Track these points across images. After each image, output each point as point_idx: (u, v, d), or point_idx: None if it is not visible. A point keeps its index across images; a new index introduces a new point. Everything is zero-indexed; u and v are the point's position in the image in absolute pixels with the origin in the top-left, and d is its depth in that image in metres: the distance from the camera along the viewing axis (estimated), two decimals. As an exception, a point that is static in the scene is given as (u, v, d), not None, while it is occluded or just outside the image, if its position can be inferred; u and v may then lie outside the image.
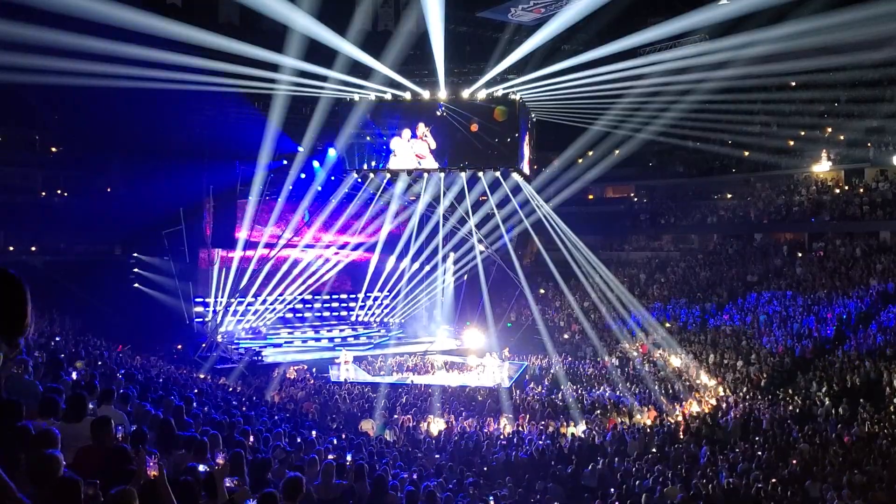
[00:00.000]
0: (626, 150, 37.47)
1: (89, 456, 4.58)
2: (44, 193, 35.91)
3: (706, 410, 20.66)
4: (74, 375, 7.85)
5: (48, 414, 5.20)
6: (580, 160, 37.63)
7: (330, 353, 31.67)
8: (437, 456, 15.14)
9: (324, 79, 24.30)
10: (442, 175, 27.71)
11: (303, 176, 32.14)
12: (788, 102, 34.12)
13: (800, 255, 32.38)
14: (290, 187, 31.86)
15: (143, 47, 18.11)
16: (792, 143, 35.97)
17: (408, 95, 25.96)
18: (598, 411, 21.07)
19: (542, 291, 36.57)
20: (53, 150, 36.31)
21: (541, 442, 16.53)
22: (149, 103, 27.19)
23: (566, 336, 33.04)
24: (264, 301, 33.77)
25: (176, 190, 30.55)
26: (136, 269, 33.51)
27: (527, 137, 27.26)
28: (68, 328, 22.57)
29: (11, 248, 33.02)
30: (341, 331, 35.23)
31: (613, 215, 42.74)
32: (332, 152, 30.06)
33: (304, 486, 5.60)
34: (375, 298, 37.20)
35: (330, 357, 30.55)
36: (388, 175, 28.60)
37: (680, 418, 19.69)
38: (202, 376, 23.36)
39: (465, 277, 35.25)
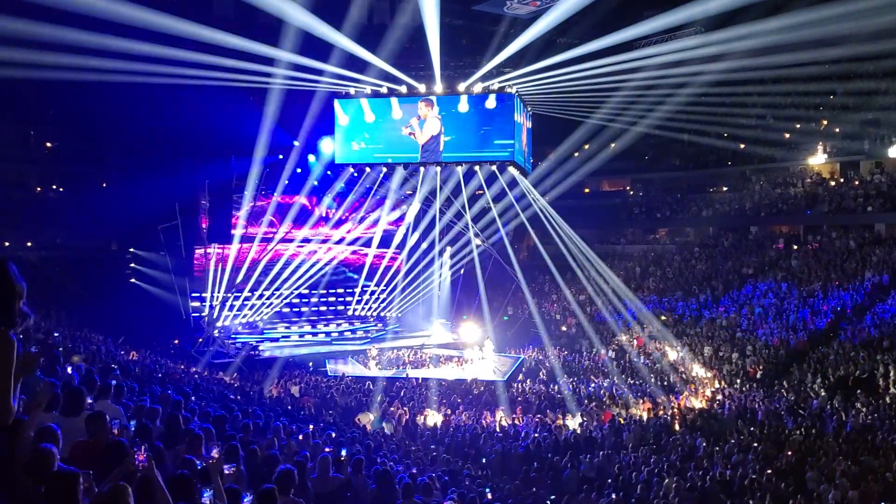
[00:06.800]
0: (622, 144, 37.55)
1: (84, 450, 4.60)
2: (39, 189, 35.82)
3: (702, 403, 20.74)
4: (70, 370, 7.85)
5: (46, 409, 5.20)
6: (576, 154, 37.67)
7: (327, 347, 31.73)
8: (432, 447, 15.19)
9: (319, 72, 24.25)
10: (438, 169, 27.67)
11: (298, 171, 32.16)
12: (784, 95, 34.14)
13: (795, 247, 32.46)
14: (287, 182, 31.90)
15: (138, 41, 18.06)
16: (787, 135, 36.04)
17: (403, 89, 25.91)
18: (594, 404, 21.14)
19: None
20: (49, 145, 36.20)
21: (536, 434, 16.58)
22: (144, 98, 27.13)
23: (563, 329, 33.12)
24: (261, 296, 33.76)
25: (172, 185, 30.54)
26: (132, 265, 33.50)
27: (523, 131, 27.23)
28: (65, 323, 22.55)
29: (7, 244, 32.94)
30: (338, 325, 35.27)
31: (609, 209, 42.78)
32: (327, 146, 30.02)
33: (296, 479, 5.61)
34: (372, 293, 37.21)
35: (326, 352, 30.60)
36: (385, 169, 28.57)
37: (676, 410, 19.76)
38: (198, 371, 23.38)
39: (462, 271, 35.28)
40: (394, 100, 25.94)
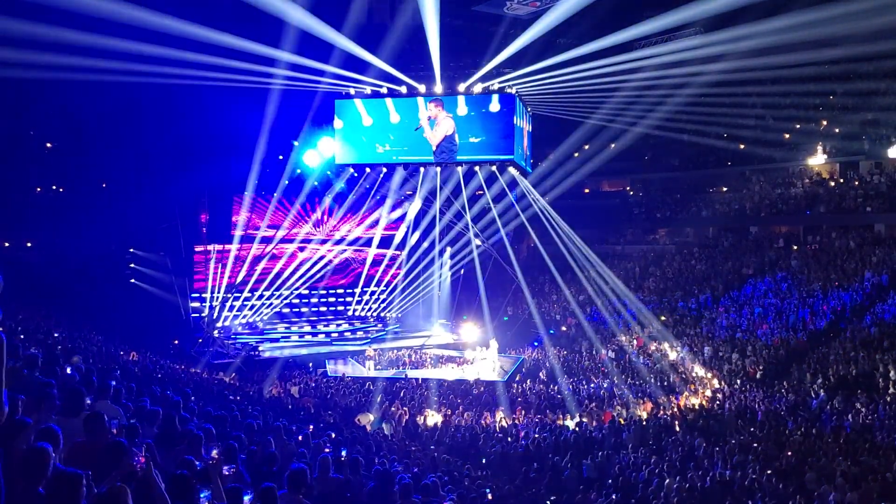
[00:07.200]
0: (621, 144, 37.58)
1: (83, 451, 4.59)
2: (39, 189, 35.77)
3: (702, 403, 20.74)
4: (69, 370, 7.84)
5: (44, 409, 5.19)
6: (576, 154, 37.69)
7: (327, 347, 31.72)
8: (432, 447, 15.18)
9: (319, 73, 24.26)
10: (438, 169, 27.67)
11: (298, 171, 32.19)
12: (783, 95, 34.14)
13: (795, 247, 32.46)
14: (287, 182, 31.95)
15: (137, 42, 18.06)
16: (787, 136, 36.02)
17: (403, 89, 25.91)
18: (594, 404, 21.14)
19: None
20: (48, 145, 36.15)
21: (537, 435, 16.58)
22: (144, 98, 27.12)
23: (563, 329, 33.12)
24: (261, 296, 33.78)
25: (172, 185, 30.53)
26: (131, 265, 33.49)
27: (524, 132, 27.22)
28: (64, 324, 22.56)
29: (7, 245, 32.92)
30: (338, 326, 35.28)
31: (609, 209, 42.78)
32: (325, 146, 30.01)
33: (308, 478, 5.61)
34: (372, 293, 37.23)
35: (326, 352, 30.58)
36: (385, 169, 28.56)
37: (676, 410, 19.76)
38: (197, 371, 23.38)
39: (462, 272, 35.29)
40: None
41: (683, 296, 31.73)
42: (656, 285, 34.18)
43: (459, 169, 27.38)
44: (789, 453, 14.21)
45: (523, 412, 20.46)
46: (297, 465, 5.76)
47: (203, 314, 32.67)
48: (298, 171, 32.31)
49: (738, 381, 22.96)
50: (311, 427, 12.28)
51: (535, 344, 30.67)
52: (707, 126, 33.83)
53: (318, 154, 31.14)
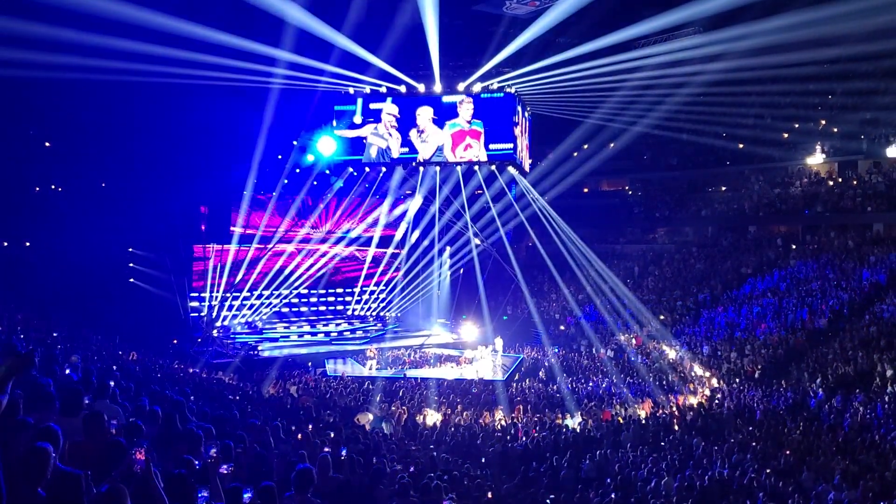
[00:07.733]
0: (620, 144, 37.62)
1: (82, 450, 4.61)
2: (38, 188, 35.73)
3: (701, 402, 20.75)
4: (67, 371, 7.86)
5: (43, 408, 5.21)
6: (575, 154, 37.72)
7: (326, 347, 31.73)
8: (431, 447, 15.18)
9: (319, 72, 24.29)
10: (438, 168, 27.68)
11: (297, 171, 32.20)
12: (782, 95, 34.16)
13: (794, 247, 32.49)
14: (286, 181, 31.99)
15: (138, 42, 18.07)
16: (786, 135, 36.03)
17: (403, 89, 25.93)
18: (593, 403, 21.16)
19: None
20: (48, 144, 36.12)
21: (536, 434, 16.59)
22: (144, 98, 27.13)
23: (562, 328, 33.14)
24: (260, 295, 33.77)
25: (171, 184, 30.51)
26: (130, 264, 33.48)
27: (523, 131, 27.23)
28: (63, 323, 22.56)
29: (6, 244, 32.90)
30: (337, 325, 35.28)
31: (608, 208, 42.80)
32: (324, 146, 29.99)
33: (315, 478, 5.62)
34: (372, 292, 37.22)
35: (326, 352, 30.58)
36: (384, 169, 28.56)
37: (674, 410, 19.77)
38: (196, 370, 23.37)
39: (462, 271, 35.30)
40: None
41: (682, 295, 31.75)
42: (655, 284, 34.21)
43: (459, 168, 27.40)
44: (788, 452, 14.22)
45: (522, 411, 20.47)
46: (303, 465, 5.76)
47: (202, 313, 32.67)
48: (298, 170, 32.32)
49: (737, 381, 22.99)
50: (311, 427, 12.29)
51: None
52: (706, 125, 33.86)
53: (318, 153, 31.12)
